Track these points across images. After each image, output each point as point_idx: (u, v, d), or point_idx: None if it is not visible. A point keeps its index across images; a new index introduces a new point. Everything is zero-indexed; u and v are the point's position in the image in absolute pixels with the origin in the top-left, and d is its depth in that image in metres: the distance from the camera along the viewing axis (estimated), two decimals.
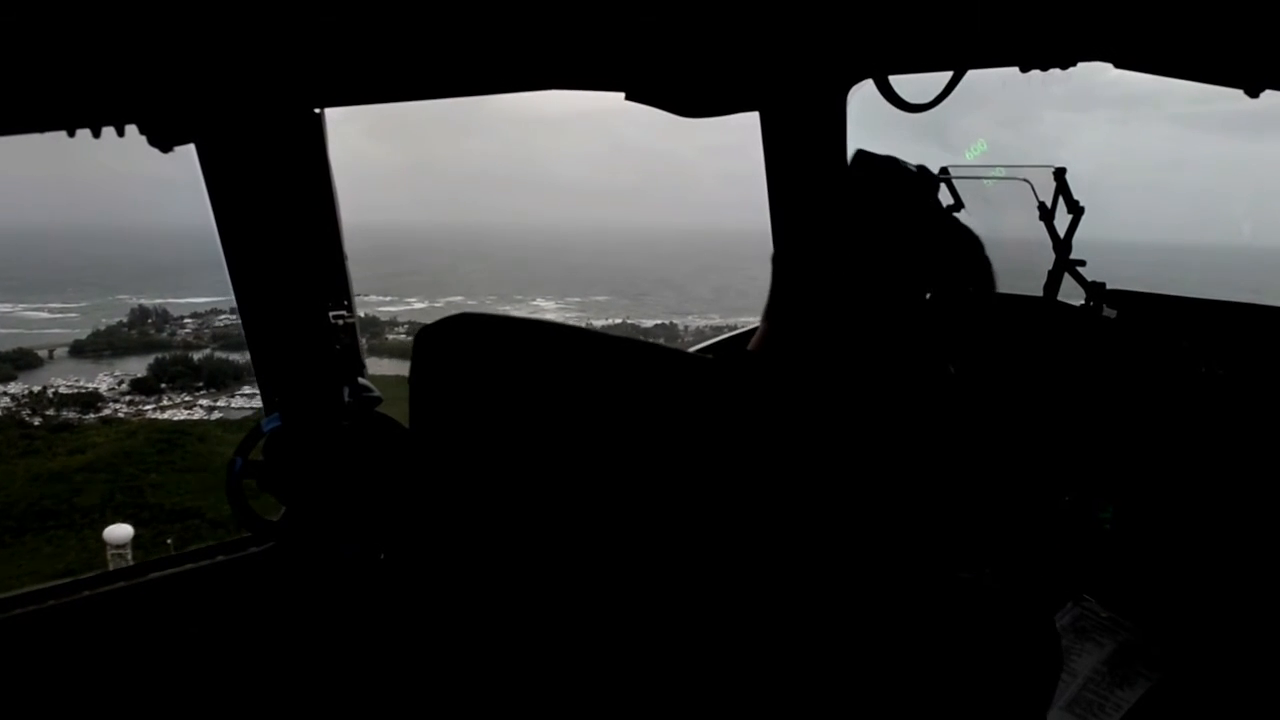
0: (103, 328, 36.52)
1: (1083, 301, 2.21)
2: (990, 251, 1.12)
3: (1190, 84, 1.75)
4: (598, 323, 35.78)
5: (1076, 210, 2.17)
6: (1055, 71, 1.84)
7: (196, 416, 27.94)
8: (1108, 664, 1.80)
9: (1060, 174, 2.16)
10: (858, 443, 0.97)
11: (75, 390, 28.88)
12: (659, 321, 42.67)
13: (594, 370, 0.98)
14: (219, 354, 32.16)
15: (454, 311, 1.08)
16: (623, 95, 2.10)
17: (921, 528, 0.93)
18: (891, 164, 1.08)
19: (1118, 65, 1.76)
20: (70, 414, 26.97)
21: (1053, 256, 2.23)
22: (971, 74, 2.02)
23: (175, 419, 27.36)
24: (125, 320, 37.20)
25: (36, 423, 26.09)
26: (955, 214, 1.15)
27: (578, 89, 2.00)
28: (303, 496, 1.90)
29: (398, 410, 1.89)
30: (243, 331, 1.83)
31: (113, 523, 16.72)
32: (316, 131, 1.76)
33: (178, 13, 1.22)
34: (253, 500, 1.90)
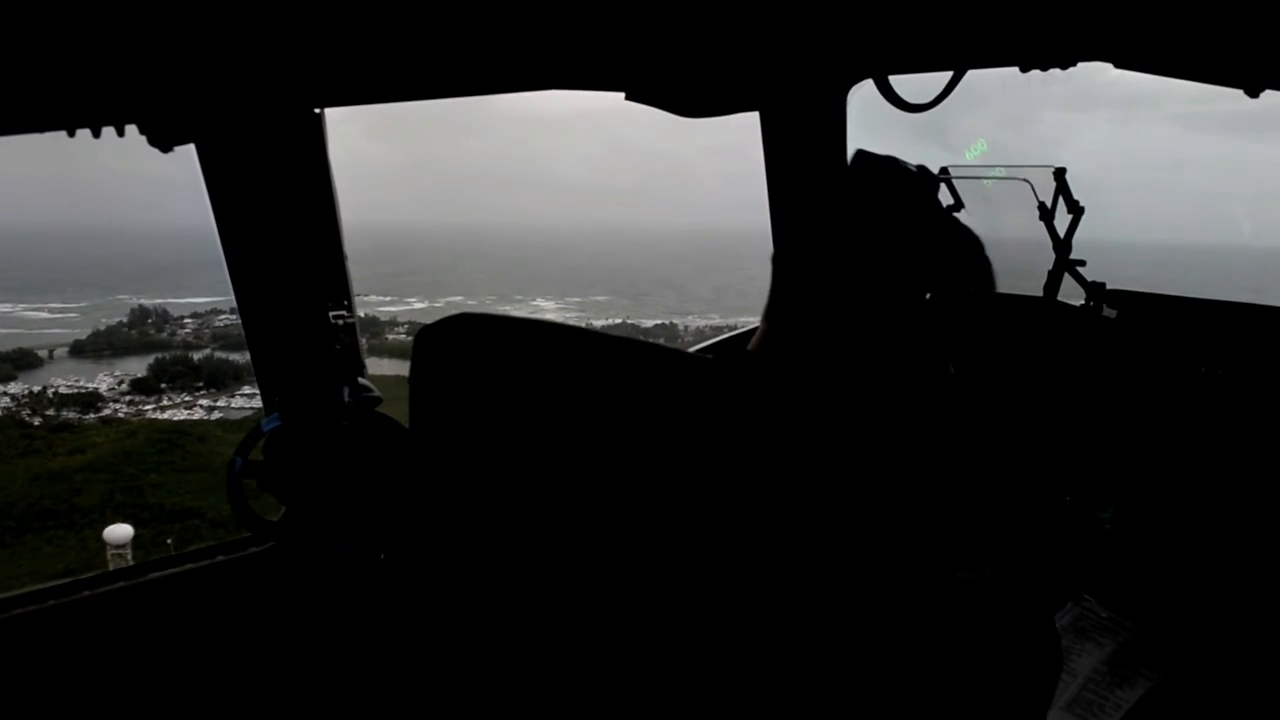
0: (103, 328, 36.53)
1: (1083, 301, 2.21)
2: (990, 251, 1.11)
3: (1190, 84, 1.75)
4: (597, 323, 35.78)
5: (1076, 210, 2.17)
6: (1055, 71, 1.84)
7: (196, 416, 27.95)
8: (1108, 664, 1.80)
9: (1060, 174, 2.16)
10: (858, 443, 0.97)
11: (75, 390, 28.88)
12: (659, 321, 42.68)
13: (595, 370, 0.98)
14: (219, 354, 32.16)
15: (454, 311, 1.08)
16: (623, 95, 2.10)
17: (922, 527, 0.93)
18: (891, 164, 1.08)
19: (1118, 65, 1.76)
20: (70, 414, 26.98)
21: (1053, 256, 2.23)
22: (971, 74, 2.02)
23: (175, 419, 27.37)
24: (125, 320, 37.22)
25: (36, 423, 26.10)
26: (955, 214, 1.15)
27: (578, 89, 2.00)
28: (303, 496, 1.90)
29: (397, 411, 1.89)
30: (242, 331, 1.83)
31: (113, 523, 16.72)
32: (317, 131, 1.76)
33: (178, 13, 1.22)
34: (253, 500, 1.90)
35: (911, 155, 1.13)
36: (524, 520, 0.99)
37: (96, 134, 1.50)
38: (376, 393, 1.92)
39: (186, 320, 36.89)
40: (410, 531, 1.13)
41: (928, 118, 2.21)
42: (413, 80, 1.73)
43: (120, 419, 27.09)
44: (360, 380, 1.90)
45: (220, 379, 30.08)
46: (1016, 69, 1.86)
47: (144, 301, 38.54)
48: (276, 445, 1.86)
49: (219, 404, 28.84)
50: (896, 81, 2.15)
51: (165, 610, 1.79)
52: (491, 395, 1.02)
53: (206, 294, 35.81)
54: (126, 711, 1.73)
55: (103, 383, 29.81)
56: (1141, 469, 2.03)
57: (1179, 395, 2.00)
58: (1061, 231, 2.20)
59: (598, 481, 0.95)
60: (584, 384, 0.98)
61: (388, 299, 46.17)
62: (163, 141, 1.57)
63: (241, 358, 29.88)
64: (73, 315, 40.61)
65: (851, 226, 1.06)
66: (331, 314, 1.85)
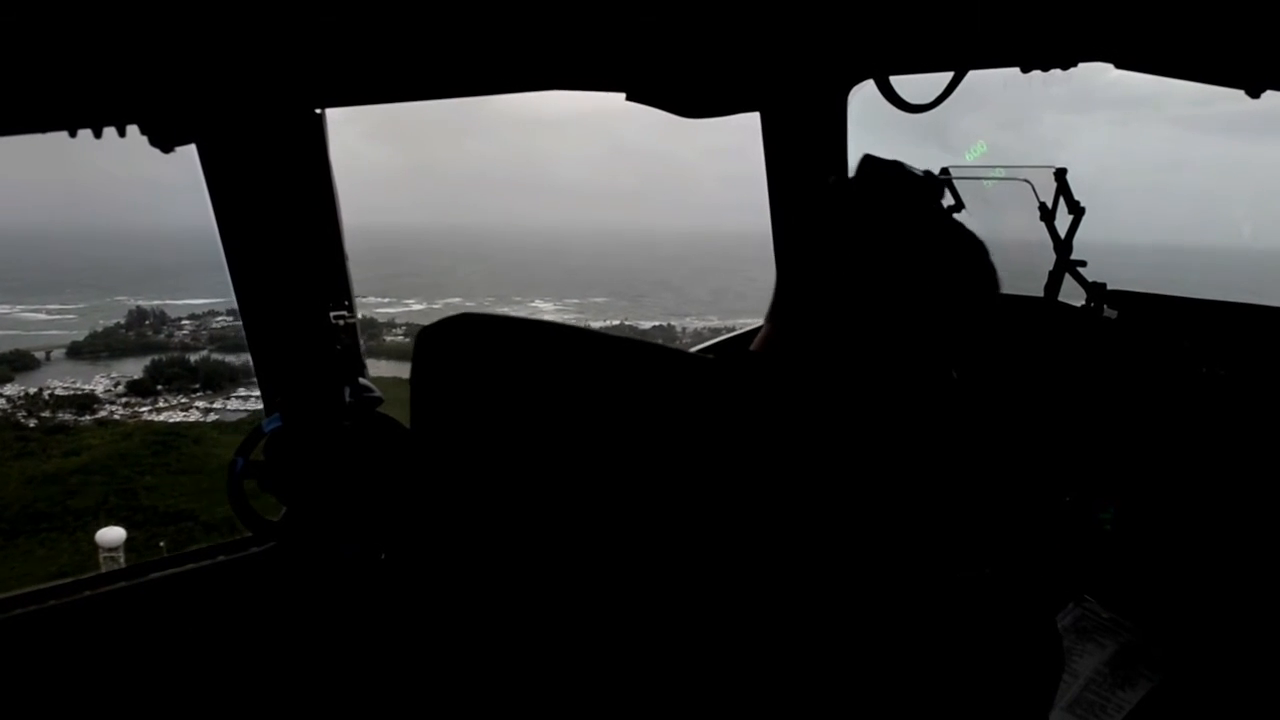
0: (100, 329, 36.47)
1: (1084, 302, 2.21)
2: (991, 252, 1.12)
3: (1190, 86, 1.75)
4: (596, 324, 35.71)
5: (1077, 211, 2.17)
6: (1056, 72, 1.84)
7: (192, 418, 27.89)
8: (1109, 665, 1.80)
9: (1061, 174, 2.16)
10: (861, 443, 0.97)
11: (71, 392, 28.82)
12: (657, 323, 42.64)
13: (596, 370, 0.98)
14: (215, 356, 32.12)
15: (452, 313, 1.08)
16: (623, 96, 2.10)
17: (924, 528, 0.93)
18: (897, 169, 1.08)
19: (1119, 66, 1.77)
20: (66, 416, 26.90)
21: (1053, 257, 2.23)
22: (972, 75, 2.02)
23: (171, 421, 27.30)
24: (123, 322, 37.15)
25: (32, 424, 26.02)
26: (955, 215, 1.15)
27: (578, 89, 2.00)
28: (303, 497, 1.90)
29: (396, 413, 1.89)
30: (241, 333, 1.83)
31: (106, 525, 16.66)
32: (317, 132, 1.76)
33: (179, 13, 1.22)
34: (253, 500, 1.90)
35: (912, 156, 1.13)
36: (526, 521, 0.99)
37: (98, 134, 1.50)
38: (377, 393, 1.92)
39: (184, 322, 36.85)
40: (411, 532, 1.13)
41: (928, 119, 2.21)
42: (413, 80, 1.73)
43: (116, 421, 27.01)
44: (361, 380, 1.90)
45: (216, 381, 30.02)
46: (1017, 69, 1.86)
47: (142, 303, 38.48)
48: (277, 445, 1.86)
49: (215, 406, 28.78)
50: (897, 82, 2.16)
51: (166, 610, 1.78)
52: (493, 395, 1.02)
53: (204, 296, 35.82)
54: (126, 712, 1.73)
55: (99, 384, 29.75)
56: (1142, 469, 2.03)
57: (1180, 396, 2.00)
58: (1062, 232, 2.20)
59: (600, 482, 0.95)
60: (586, 384, 0.98)
61: (386, 300, 46.15)
62: (164, 142, 1.57)
63: (237, 359, 29.89)
64: (71, 317, 40.56)
65: (857, 230, 1.06)
66: (332, 314, 1.85)
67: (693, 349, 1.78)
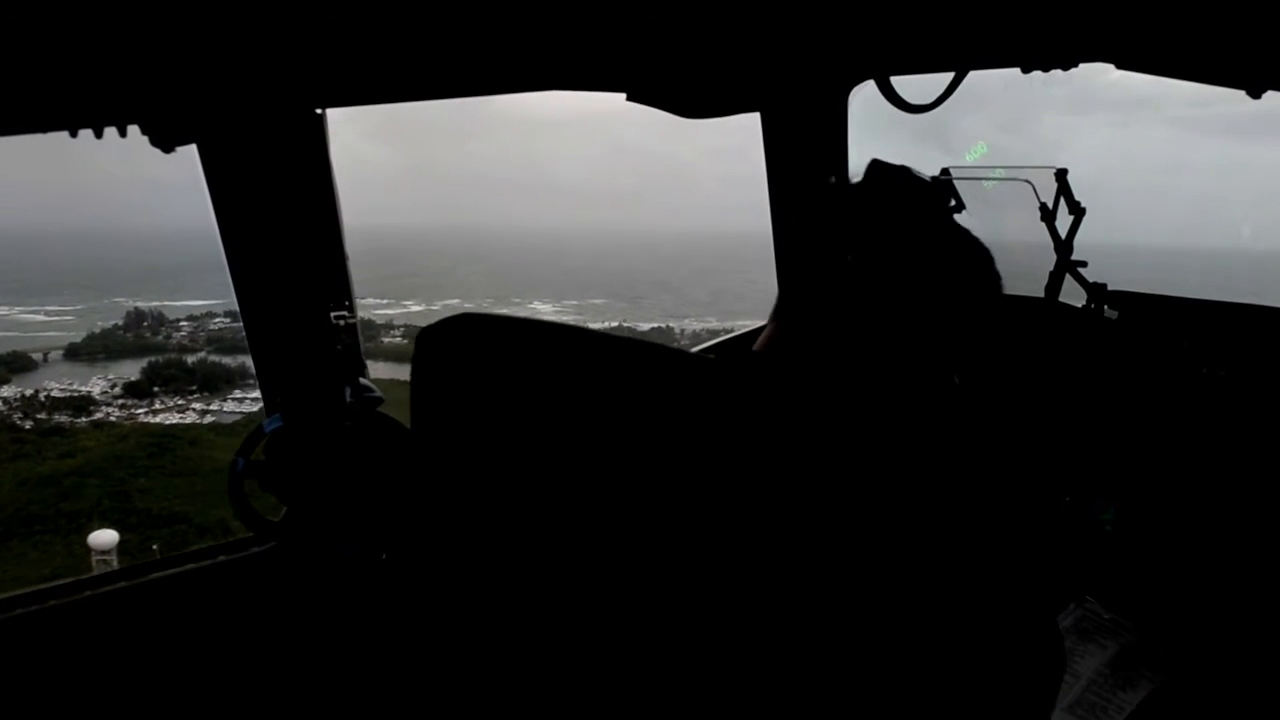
0: (98, 331, 36.43)
1: (1084, 303, 2.21)
2: (992, 253, 1.12)
3: (1190, 88, 1.75)
4: (594, 325, 35.59)
5: (1078, 211, 2.17)
6: (1056, 73, 1.84)
7: (189, 420, 27.83)
8: (1110, 666, 1.79)
9: (1062, 175, 2.16)
10: (864, 444, 0.97)
11: (68, 394, 28.76)
12: (655, 324, 42.64)
13: (597, 370, 0.98)
14: (213, 357, 32.09)
15: (452, 314, 1.08)
16: (624, 96, 2.10)
17: (924, 528, 0.93)
18: (904, 174, 1.08)
19: (1119, 66, 1.77)
20: (62, 417, 26.82)
21: (1054, 258, 2.23)
22: (973, 76, 2.02)
23: (167, 422, 27.23)
24: (121, 323, 37.10)
25: (27, 426, 25.96)
26: (956, 215, 1.15)
27: (579, 89, 2.00)
28: (304, 497, 1.89)
29: (394, 415, 1.89)
30: (239, 334, 1.83)
31: (100, 528, 16.60)
32: (318, 132, 1.76)
33: (179, 13, 1.21)
34: (254, 500, 1.90)
35: (912, 157, 1.13)
36: (526, 521, 0.99)
37: (99, 134, 1.50)
38: (378, 393, 1.92)
39: (182, 323, 36.81)
40: (411, 532, 1.13)
41: (928, 120, 2.21)
42: (414, 81, 1.73)
43: (112, 422, 26.94)
44: (362, 380, 1.90)
45: (213, 382, 30.00)
46: (1018, 70, 1.86)
47: (140, 305, 38.44)
48: (278, 445, 1.86)
49: (211, 407, 28.75)
50: (898, 82, 2.15)
51: (166, 610, 1.78)
52: (493, 395, 1.01)
53: (202, 298, 35.79)
54: (127, 712, 1.73)
55: (96, 386, 29.71)
56: (1143, 470, 2.03)
57: (1180, 396, 2.00)
58: (1063, 233, 2.20)
59: (601, 482, 0.95)
60: (587, 384, 0.97)
61: (384, 302, 46.13)
62: (164, 142, 1.57)
63: (234, 361, 29.87)
64: (69, 318, 40.50)
65: (864, 234, 1.06)
66: (333, 314, 1.85)
67: (693, 350, 1.78)
